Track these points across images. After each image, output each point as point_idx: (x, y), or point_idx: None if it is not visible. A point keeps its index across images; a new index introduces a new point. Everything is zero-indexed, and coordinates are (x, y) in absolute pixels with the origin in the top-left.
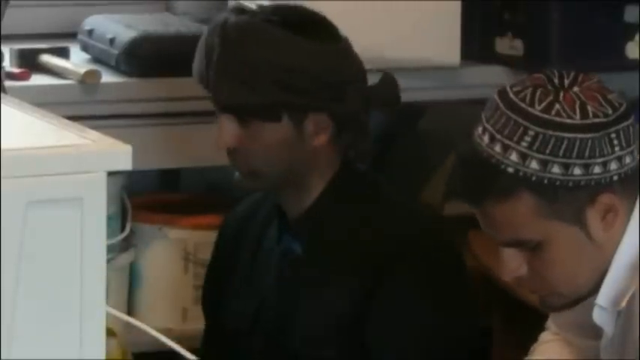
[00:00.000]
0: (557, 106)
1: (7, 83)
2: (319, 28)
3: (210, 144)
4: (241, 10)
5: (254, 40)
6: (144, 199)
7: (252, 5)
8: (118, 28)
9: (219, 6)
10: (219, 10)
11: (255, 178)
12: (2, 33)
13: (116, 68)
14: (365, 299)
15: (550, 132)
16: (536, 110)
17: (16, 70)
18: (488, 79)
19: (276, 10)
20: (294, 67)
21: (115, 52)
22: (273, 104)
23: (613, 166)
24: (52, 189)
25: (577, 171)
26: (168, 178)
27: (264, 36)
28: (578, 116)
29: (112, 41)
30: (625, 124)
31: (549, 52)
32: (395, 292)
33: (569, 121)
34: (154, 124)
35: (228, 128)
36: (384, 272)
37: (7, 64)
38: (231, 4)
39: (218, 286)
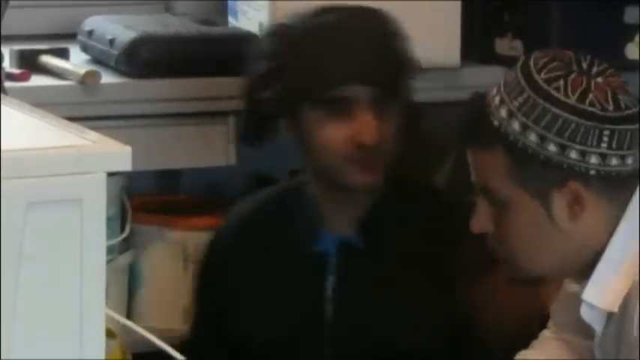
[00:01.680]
0: (561, 81)
1: (7, 84)
2: None
3: (210, 145)
4: None
5: None
6: (144, 200)
7: None
8: (118, 28)
9: (218, 7)
10: (219, 10)
11: None
12: (2, 34)
13: (116, 69)
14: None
15: (540, 100)
16: (540, 78)
17: (15, 71)
18: (488, 79)
19: None
20: None
21: (115, 52)
22: None
23: (593, 159)
24: (51, 190)
25: (552, 147)
26: (168, 179)
27: None
28: (574, 98)
29: (111, 42)
30: (624, 127)
31: None
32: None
33: (563, 97)
34: (154, 125)
35: None
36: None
37: (7, 65)
38: None
39: (232, 303)
